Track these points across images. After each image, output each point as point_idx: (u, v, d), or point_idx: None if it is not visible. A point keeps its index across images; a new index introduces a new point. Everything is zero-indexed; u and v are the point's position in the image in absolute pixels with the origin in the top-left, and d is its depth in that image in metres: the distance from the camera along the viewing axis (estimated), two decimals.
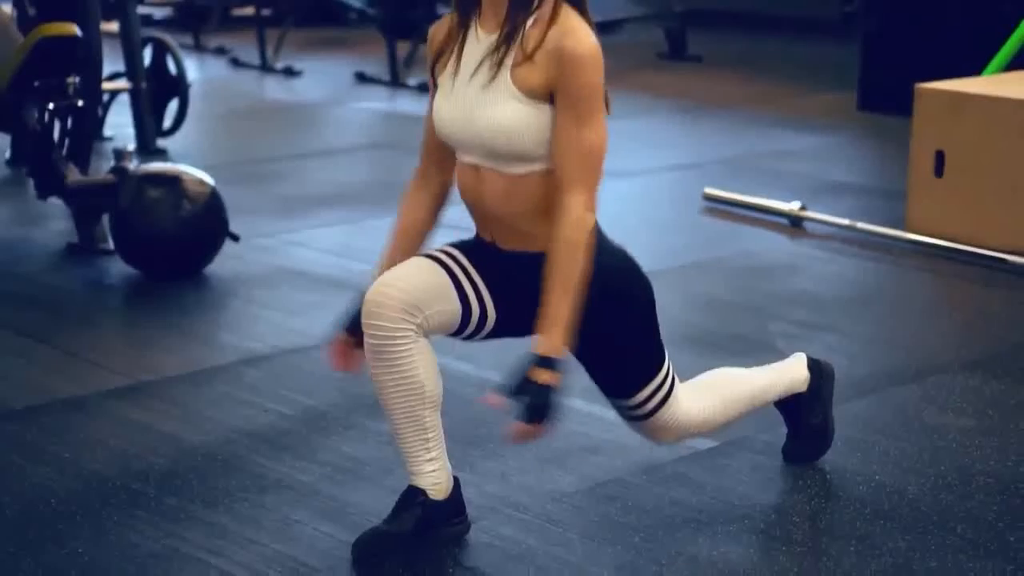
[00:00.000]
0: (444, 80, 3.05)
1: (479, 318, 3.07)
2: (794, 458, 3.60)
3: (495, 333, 3.14)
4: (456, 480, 3.18)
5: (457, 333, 3.10)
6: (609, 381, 3.23)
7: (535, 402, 2.89)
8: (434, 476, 3.11)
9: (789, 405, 3.56)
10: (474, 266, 3.07)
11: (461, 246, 3.13)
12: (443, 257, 3.07)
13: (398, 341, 2.98)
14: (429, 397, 3.04)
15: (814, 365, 3.58)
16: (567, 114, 2.91)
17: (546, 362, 2.89)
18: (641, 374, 3.19)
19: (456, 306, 3.03)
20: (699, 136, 7.92)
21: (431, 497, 3.11)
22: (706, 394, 3.36)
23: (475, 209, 3.10)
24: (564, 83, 2.90)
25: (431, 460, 3.10)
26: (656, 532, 3.25)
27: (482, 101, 2.95)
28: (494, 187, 3.01)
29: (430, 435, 3.09)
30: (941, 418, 3.92)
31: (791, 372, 3.53)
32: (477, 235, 3.15)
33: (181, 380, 4.18)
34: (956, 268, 5.37)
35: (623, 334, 3.14)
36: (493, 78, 2.95)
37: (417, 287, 2.98)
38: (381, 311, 2.96)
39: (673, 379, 3.25)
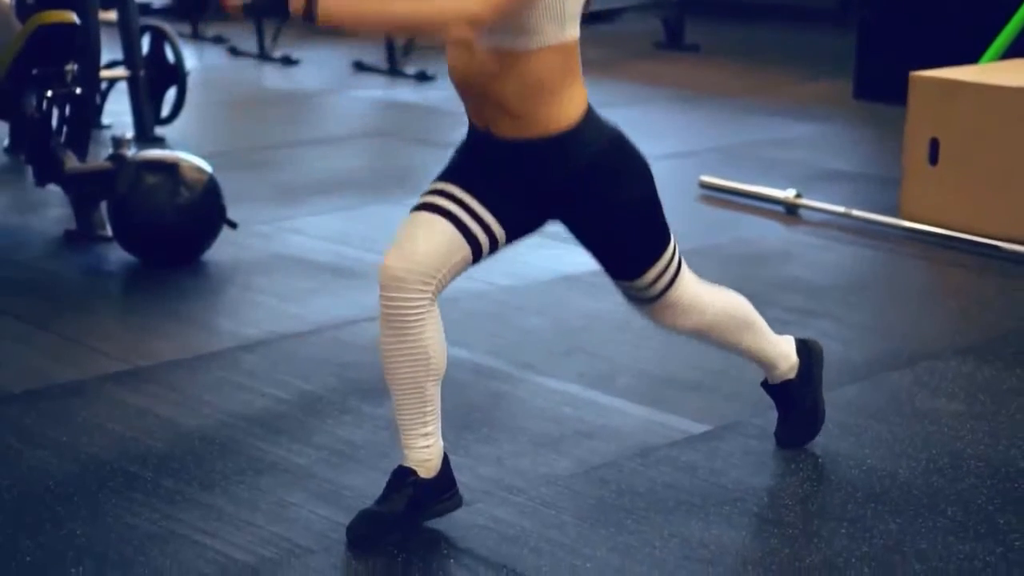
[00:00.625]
0: None
1: (489, 245, 3.11)
2: (785, 442, 3.62)
3: (511, 241, 3.18)
4: (445, 455, 3.20)
5: (476, 263, 3.15)
6: (615, 262, 3.24)
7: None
8: (426, 452, 3.15)
9: (779, 389, 3.59)
10: (471, 189, 3.08)
11: (454, 171, 3.13)
12: (441, 203, 3.08)
13: (413, 311, 3.03)
14: (434, 368, 3.09)
15: (803, 348, 3.60)
16: None
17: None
18: (647, 253, 3.20)
19: (466, 250, 3.08)
20: (696, 124, 7.94)
21: (421, 476, 3.14)
22: (720, 298, 3.41)
23: (468, 91, 3.07)
24: None
25: (426, 435, 3.14)
26: (649, 514, 3.28)
27: None
28: (486, 66, 2.99)
29: (428, 408, 3.12)
30: (933, 403, 3.95)
31: (781, 347, 3.56)
32: (470, 128, 3.15)
33: (178, 365, 4.20)
34: (950, 255, 5.39)
35: (624, 212, 3.14)
36: None
37: (428, 253, 3.03)
38: (399, 283, 3.01)
39: (680, 259, 3.28)
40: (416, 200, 3.12)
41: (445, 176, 3.14)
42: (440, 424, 3.17)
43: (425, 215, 3.08)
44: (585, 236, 3.21)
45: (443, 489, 3.20)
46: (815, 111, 8.21)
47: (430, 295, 3.04)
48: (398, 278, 3.01)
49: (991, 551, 3.11)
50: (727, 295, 3.46)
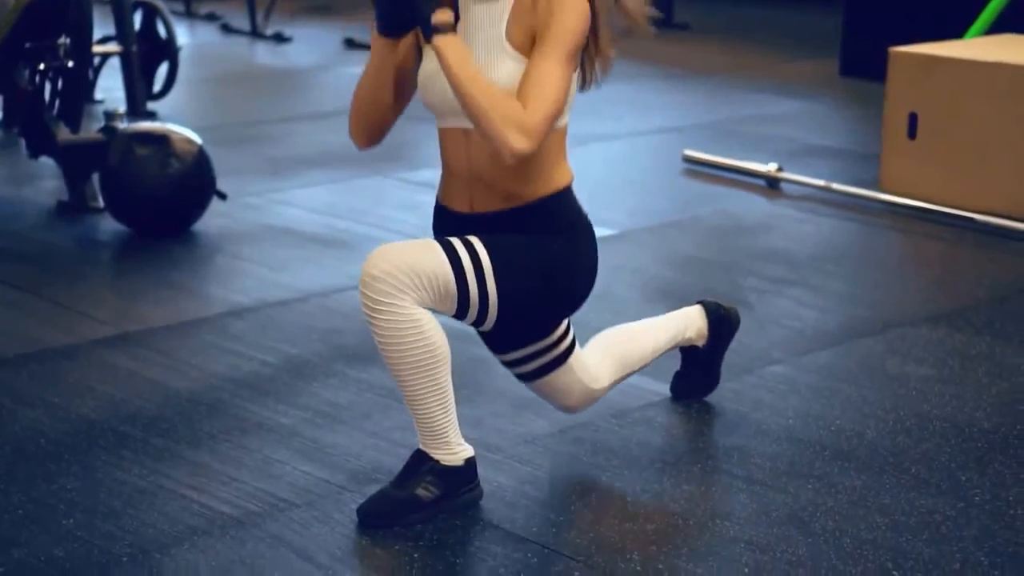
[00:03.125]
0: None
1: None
2: (681, 394, 3.77)
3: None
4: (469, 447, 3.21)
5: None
6: (493, 333, 3.26)
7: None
8: (451, 444, 3.14)
9: (687, 350, 3.74)
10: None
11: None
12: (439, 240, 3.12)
13: (395, 307, 3.00)
14: (443, 355, 3.07)
15: (717, 318, 3.70)
16: (537, 50, 2.99)
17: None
18: (525, 333, 3.28)
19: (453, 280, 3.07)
20: (682, 101, 8.03)
21: (443, 463, 3.13)
22: (605, 354, 3.47)
23: (458, 174, 3.14)
24: (544, 24, 2.99)
25: (450, 424, 3.14)
26: (622, 471, 3.38)
27: (477, 65, 3.01)
28: (485, 149, 3.06)
29: (448, 398, 3.12)
30: (903, 367, 4.06)
31: (689, 322, 3.67)
32: (440, 211, 3.21)
33: (168, 330, 4.30)
34: (926, 227, 5.50)
35: (528, 300, 3.14)
36: (487, 40, 3.04)
37: (414, 260, 3.01)
38: (372, 280, 2.98)
39: (568, 349, 3.33)
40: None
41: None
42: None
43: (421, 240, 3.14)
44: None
45: (466, 480, 3.17)
46: (801, 88, 8.31)
47: (413, 298, 3.02)
48: (377, 271, 3.03)
49: (952, 506, 3.22)
50: (609, 347, 3.49)
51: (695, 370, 3.76)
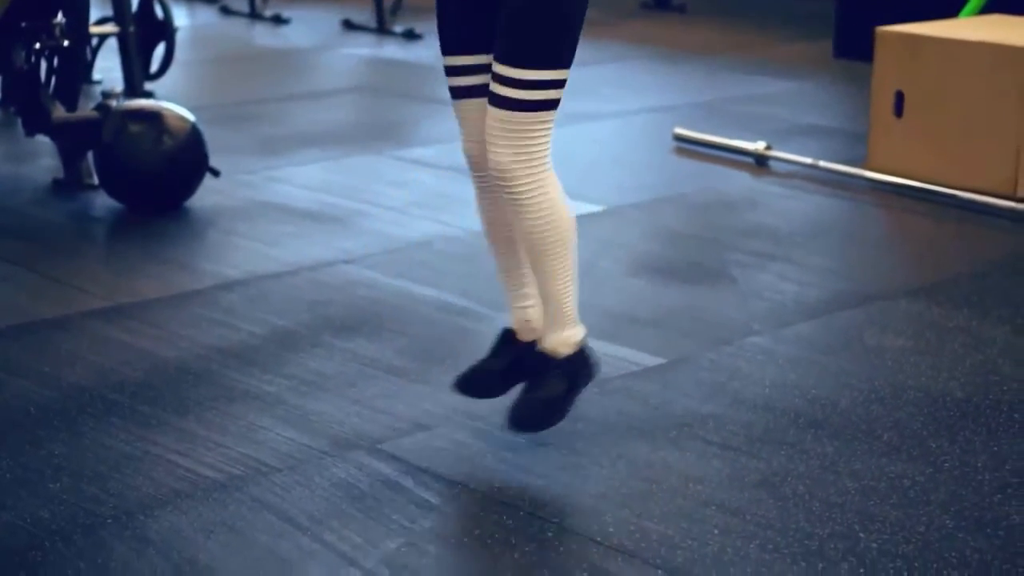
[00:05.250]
0: None
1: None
2: (513, 422, 3.33)
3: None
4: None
5: None
6: (507, 40, 3.15)
7: None
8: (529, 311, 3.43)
9: (542, 359, 3.39)
10: (462, 49, 3.28)
11: (444, 43, 3.33)
12: (456, 83, 3.32)
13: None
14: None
15: (584, 352, 3.40)
16: None
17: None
18: (539, 50, 3.13)
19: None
20: (676, 81, 8.08)
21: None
22: (563, 204, 3.26)
23: None
24: None
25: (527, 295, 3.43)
26: (599, 438, 3.45)
27: None
28: None
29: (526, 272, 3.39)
30: (881, 339, 4.12)
31: (574, 315, 3.37)
32: None
33: (159, 303, 4.38)
34: (910, 204, 5.56)
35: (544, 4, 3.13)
36: None
37: (481, 128, 3.27)
38: (480, 161, 3.29)
39: (556, 106, 3.19)
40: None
41: (443, 50, 3.34)
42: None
43: (457, 103, 3.34)
44: (503, 16, 3.16)
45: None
46: (794, 69, 8.36)
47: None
48: (477, 155, 3.31)
49: (921, 471, 3.29)
50: (567, 211, 3.27)
51: (540, 388, 3.36)
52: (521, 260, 3.40)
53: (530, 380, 3.38)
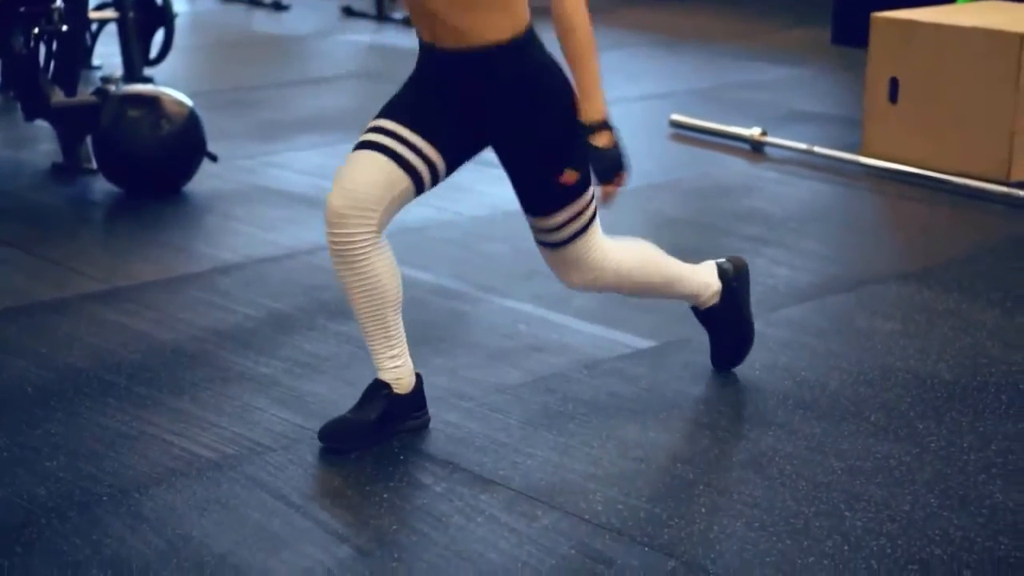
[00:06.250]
0: None
1: (431, 175, 3.27)
2: (718, 364, 3.78)
3: (452, 169, 3.33)
4: (419, 377, 3.41)
5: (420, 194, 3.31)
6: (530, 194, 3.33)
7: (607, 163, 3.22)
8: (397, 371, 3.35)
9: (706, 315, 3.73)
10: (407, 123, 3.24)
11: (391, 108, 3.29)
12: (378, 139, 3.24)
13: (358, 245, 3.21)
14: (390, 298, 3.28)
15: (726, 272, 3.71)
16: None
17: (598, 126, 3.21)
18: (562, 192, 3.30)
19: (407, 182, 3.24)
20: (673, 68, 8.11)
21: (394, 391, 3.34)
22: (628, 251, 3.49)
23: (413, 8, 3.24)
24: None
25: (393, 357, 3.34)
26: (590, 419, 3.49)
27: None
28: None
29: (392, 333, 3.32)
30: (871, 323, 4.16)
31: (702, 276, 3.67)
32: (419, 48, 3.32)
33: (156, 286, 4.41)
34: (903, 189, 5.59)
35: (548, 139, 3.27)
36: None
37: (368, 187, 3.20)
38: (340, 220, 3.19)
39: (595, 215, 3.37)
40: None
41: (382, 114, 3.31)
42: (407, 346, 3.37)
43: (363, 153, 3.25)
44: (509, 162, 3.33)
45: (415, 407, 3.40)
46: (792, 56, 8.39)
47: (373, 228, 3.21)
48: (340, 215, 3.19)
49: (907, 451, 3.32)
50: (634, 249, 3.53)
51: (721, 334, 3.74)
52: (389, 323, 3.32)
53: (362, 397, 3.40)
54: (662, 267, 3.57)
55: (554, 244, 3.39)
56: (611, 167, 3.22)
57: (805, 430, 3.43)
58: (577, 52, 3.19)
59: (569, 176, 3.25)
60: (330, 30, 9.25)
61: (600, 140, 3.22)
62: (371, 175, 3.22)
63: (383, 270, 3.25)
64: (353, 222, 3.19)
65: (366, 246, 3.21)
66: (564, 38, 3.18)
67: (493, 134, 3.31)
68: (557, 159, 3.27)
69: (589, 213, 3.36)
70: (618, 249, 3.47)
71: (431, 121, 3.26)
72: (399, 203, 3.27)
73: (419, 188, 3.28)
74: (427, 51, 3.30)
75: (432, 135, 3.26)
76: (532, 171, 3.32)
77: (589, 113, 3.22)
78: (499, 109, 3.25)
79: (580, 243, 3.38)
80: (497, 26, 3.18)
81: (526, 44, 3.22)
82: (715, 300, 3.70)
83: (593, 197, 3.35)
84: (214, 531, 2.95)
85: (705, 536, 2.94)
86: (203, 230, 5.06)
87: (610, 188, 3.24)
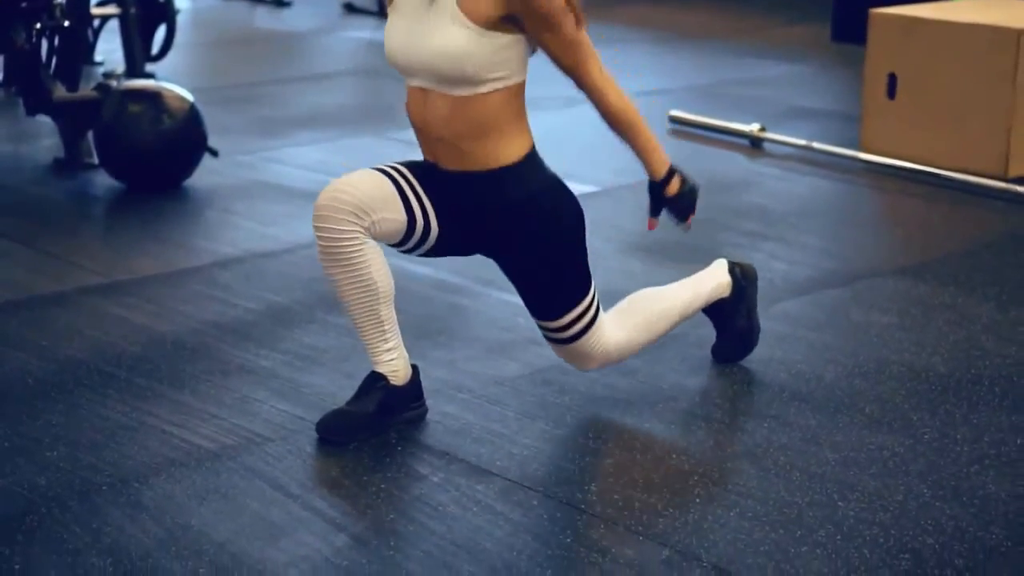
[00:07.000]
0: (397, 4, 3.25)
1: (423, 230, 3.30)
2: (721, 357, 3.82)
3: (436, 249, 3.37)
4: (415, 368, 3.44)
5: (401, 244, 3.33)
6: (535, 302, 3.43)
7: (683, 204, 3.47)
8: (392, 364, 3.37)
9: (714, 309, 3.79)
10: (420, 183, 3.30)
11: (410, 165, 3.35)
12: (391, 172, 3.29)
13: (347, 242, 3.22)
14: (383, 293, 3.29)
15: (735, 270, 3.79)
16: (542, 34, 3.15)
17: (669, 175, 3.42)
18: (566, 298, 3.40)
19: (402, 216, 3.26)
20: (674, 64, 8.14)
21: (391, 382, 3.37)
22: (629, 319, 3.57)
23: (420, 131, 3.30)
24: (526, 9, 3.10)
25: (389, 350, 3.37)
26: (586, 411, 3.52)
27: (428, 25, 3.15)
28: (439, 110, 3.21)
29: (386, 327, 3.35)
30: (867, 316, 4.18)
31: (713, 280, 3.74)
32: (424, 158, 3.38)
33: (156, 279, 4.44)
34: (902, 185, 5.61)
35: (552, 256, 3.34)
36: (440, 5, 3.13)
37: (366, 192, 3.22)
38: (330, 214, 3.20)
39: (598, 308, 3.46)
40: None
41: (402, 162, 3.34)
42: (401, 338, 3.40)
43: (371, 171, 3.28)
44: (512, 273, 3.40)
45: (412, 397, 3.42)
46: (792, 52, 8.41)
47: (362, 230, 3.21)
48: (328, 207, 3.19)
49: (901, 443, 3.35)
50: (636, 316, 3.58)
51: (727, 327, 3.79)
52: (383, 317, 3.34)
53: (358, 389, 3.42)
54: (668, 311, 3.64)
55: (563, 341, 3.46)
56: (688, 207, 3.47)
57: (800, 422, 3.46)
58: (628, 124, 3.32)
59: (652, 224, 3.50)
60: (331, 27, 9.28)
61: (672, 188, 3.42)
62: (371, 188, 3.23)
63: (374, 265, 3.26)
64: (343, 218, 3.19)
65: (355, 243, 3.22)
66: (615, 121, 3.32)
67: (494, 248, 3.37)
68: (563, 272, 3.36)
69: (593, 310, 3.43)
70: (623, 328, 3.54)
71: (439, 202, 3.31)
72: (388, 228, 3.25)
73: (409, 230, 3.28)
74: (431, 166, 3.33)
75: (437, 209, 3.31)
76: (538, 284, 3.39)
77: (656, 168, 3.40)
78: (504, 228, 3.30)
79: (588, 337, 3.45)
80: (505, 152, 3.23)
81: (530, 164, 3.27)
82: (725, 293, 3.75)
83: (595, 294, 3.44)
84: (213, 520, 2.97)
85: (699, 526, 2.96)
86: (203, 225, 5.09)
87: (687, 223, 3.50)
